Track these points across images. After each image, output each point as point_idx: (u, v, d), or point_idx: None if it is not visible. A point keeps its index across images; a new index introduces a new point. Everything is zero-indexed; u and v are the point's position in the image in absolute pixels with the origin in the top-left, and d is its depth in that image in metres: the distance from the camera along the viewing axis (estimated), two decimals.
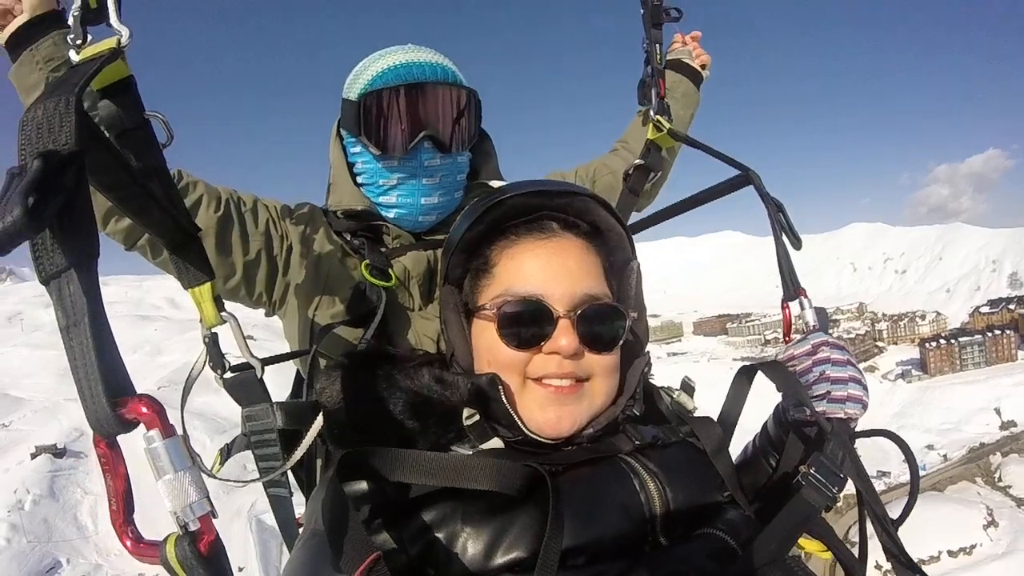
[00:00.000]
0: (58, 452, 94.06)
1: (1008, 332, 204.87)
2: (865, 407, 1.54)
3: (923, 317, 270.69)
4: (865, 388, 1.55)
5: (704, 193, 2.25)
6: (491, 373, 1.44)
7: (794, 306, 1.75)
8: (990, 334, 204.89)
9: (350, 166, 2.22)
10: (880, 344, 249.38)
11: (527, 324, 1.41)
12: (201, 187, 2.00)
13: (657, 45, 2.64)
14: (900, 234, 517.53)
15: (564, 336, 1.38)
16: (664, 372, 2.11)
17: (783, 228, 1.86)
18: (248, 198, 2.13)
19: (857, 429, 1.57)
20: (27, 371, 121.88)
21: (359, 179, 2.20)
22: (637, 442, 1.46)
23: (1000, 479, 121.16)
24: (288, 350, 2.14)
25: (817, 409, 1.51)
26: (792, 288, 1.77)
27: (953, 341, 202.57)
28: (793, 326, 1.76)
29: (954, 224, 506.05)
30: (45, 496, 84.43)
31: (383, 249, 2.14)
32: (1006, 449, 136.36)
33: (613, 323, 1.46)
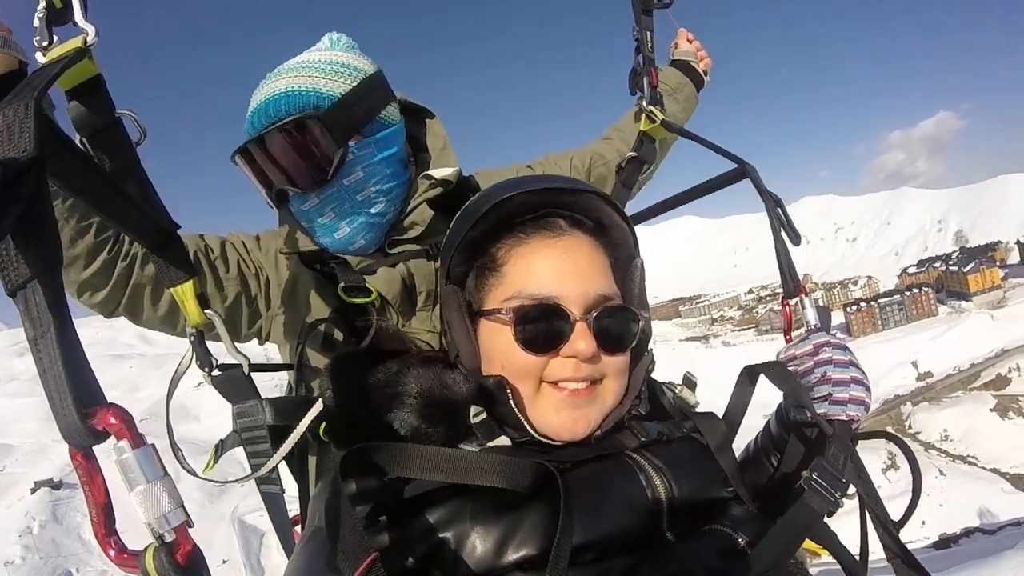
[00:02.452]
0: (55, 485, 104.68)
1: (926, 290, 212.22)
2: (867, 408, 1.52)
3: (855, 282, 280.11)
4: (868, 389, 1.53)
5: (700, 187, 2.23)
6: (498, 376, 1.39)
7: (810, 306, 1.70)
8: (908, 293, 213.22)
9: None
10: None
11: (544, 328, 1.36)
12: None
13: (648, 33, 2.58)
14: (850, 203, 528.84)
15: (582, 340, 1.35)
16: None
17: (781, 223, 1.82)
18: (215, 243, 2.03)
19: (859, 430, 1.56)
20: (10, 419, 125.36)
21: None
22: (643, 439, 1.44)
23: (910, 426, 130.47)
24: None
25: (819, 411, 1.49)
26: (792, 285, 1.74)
27: (874, 303, 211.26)
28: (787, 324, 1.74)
29: (901, 189, 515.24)
30: (50, 521, 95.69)
31: (354, 268, 2.04)
32: (918, 399, 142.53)
33: (628, 324, 1.43)
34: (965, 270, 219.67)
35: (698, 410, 1.65)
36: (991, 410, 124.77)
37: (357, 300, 1.89)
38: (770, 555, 1.21)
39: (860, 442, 1.53)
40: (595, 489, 1.28)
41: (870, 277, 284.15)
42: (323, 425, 1.51)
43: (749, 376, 1.63)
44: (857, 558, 1.42)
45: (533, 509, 1.20)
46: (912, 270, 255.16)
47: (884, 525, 1.43)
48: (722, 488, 1.42)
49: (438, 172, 2.04)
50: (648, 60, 2.56)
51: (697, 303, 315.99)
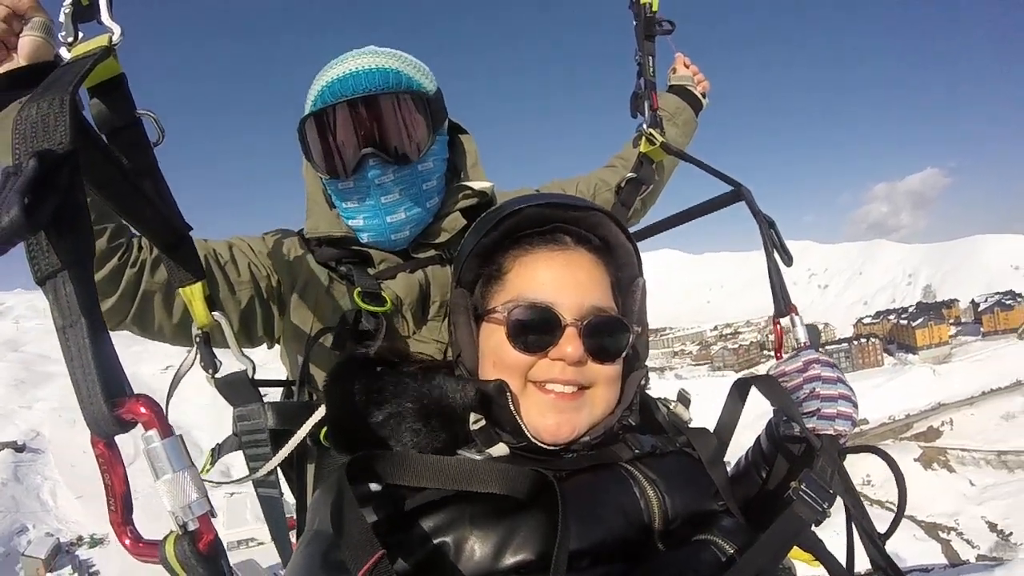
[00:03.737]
0: (19, 448, 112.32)
1: (873, 340, 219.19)
2: (855, 424, 1.55)
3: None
4: (855, 405, 1.57)
5: (696, 208, 2.28)
6: (499, 380, 1.42)
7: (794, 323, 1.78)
8: (856, 342, 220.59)
9: (325, 188, 2.06)
10: (770, 353, 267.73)
11: (535, 329, 1.41)
12: None
13: (650, 57, 2.65)
14: (826, 251, 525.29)
15: (570, 344, 1.39)
16: None
17: (774, 245, 1.86)
18: (223, 248, 1.99)
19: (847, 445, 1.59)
20: None
21: (333, 201, 2.05)
22: (637, 451, 1.47)
23: None
24: (286, 375, 2.13)
25: (807, 425, 1.52)
26: (783, 305, 1.77)
27: (821, 349, 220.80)
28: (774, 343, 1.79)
29: (876, 241, 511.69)
30: (11, 480, 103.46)
31: (371, 271, 2.01)
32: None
33: (617, 335, 1.47)
34: (914, 324, 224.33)
35: (691, 426, 1.69)
36: (915, 460, 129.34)
37: (371, 308, 1.88)
38: (759, 561, 1.24)
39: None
40: (591, 498, 1.31)
41: (827, 324, 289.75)
42: (324, 430, 1.52)
43: (739, 391, 1.69)
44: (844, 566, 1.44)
45: (530, 516, 1.23)
46: (867, 320, 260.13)
47: (870, 536, 1.47)
48: (713, 501, 1.46)
49: (476, 184, 2.09)
50: (650, 84, 2.65)
51: (662, 335, 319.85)
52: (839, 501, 1.47)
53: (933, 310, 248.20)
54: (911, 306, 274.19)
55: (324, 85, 1.90)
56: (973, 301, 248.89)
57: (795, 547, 1.37)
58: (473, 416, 1.40)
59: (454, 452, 1.38)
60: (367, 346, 1.80)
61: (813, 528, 1.39)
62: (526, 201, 1.52)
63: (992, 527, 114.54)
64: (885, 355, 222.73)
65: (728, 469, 1.64)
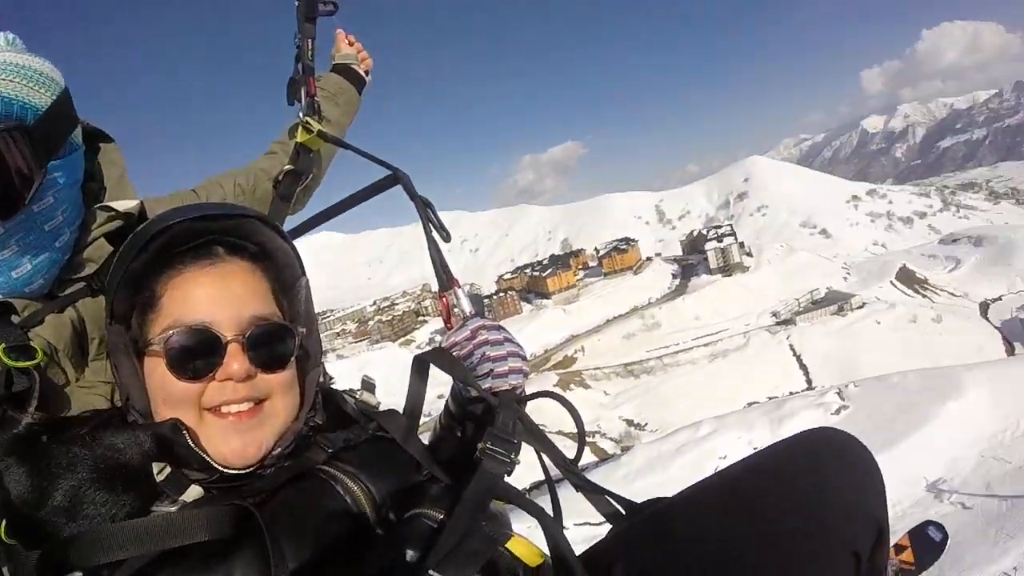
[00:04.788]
0: None
1: (511, 293, 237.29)
2: (526, 375, 1.70)
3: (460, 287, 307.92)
4: (524, 359, 1.70)
5: (354, 196, 2.33)
6: (172, 419, 1.33)
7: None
8: (497, 296, 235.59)
9: None
10: (424, 319, 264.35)
11: (196, 354, 1.32)
12: None
13: (309, 40, 2.52)
14: (475, 218, 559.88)
15: (235, 361, 1.33)
16: None
17: (433, 224, 1.97)
18: None
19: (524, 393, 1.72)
20: None
21: None
22: (330, 450, 1.47)
23: None
24: None
25: (485, 386, 1.63)
26: (446, 279, 1.87)
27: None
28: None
29: (520, 205, 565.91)
30: None
31: (15, 319, 1.62)
32: None
33: (282, 341, 1.42)
34: (545, 275, 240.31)
35: (381, 409, 1.70)
36: (555, 385, 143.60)
37: (22, 364, 1.49)
38: (462, 523, 1.29)
39: None
40: (298, 513, 1.29)
41: (472, 284, 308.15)
42: (2, 526, 1.27)
43: (419, 368, 1.70)
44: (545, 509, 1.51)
45: (244, 551, 1.18)
46: (507, 276, 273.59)
47: (564, 465, 1.63)
48: (416, 474, 1.51)
49: (120, 204, 1.79)
50: (308, 69, 2.51)
51: (323, 319, 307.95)
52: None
53: (561, 261, 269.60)
54: (544, 259, 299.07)
55: None
56: (596, 248, 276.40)
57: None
58: (156, 466, 1.30)
59: (148, 511, 1.27)
60: (22, 413, 1.43)
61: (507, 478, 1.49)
62: (175, 216, 1.39)
63: (630, 423, 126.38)
64: (523, 304, 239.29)
65: (427, 437, 1.72)
